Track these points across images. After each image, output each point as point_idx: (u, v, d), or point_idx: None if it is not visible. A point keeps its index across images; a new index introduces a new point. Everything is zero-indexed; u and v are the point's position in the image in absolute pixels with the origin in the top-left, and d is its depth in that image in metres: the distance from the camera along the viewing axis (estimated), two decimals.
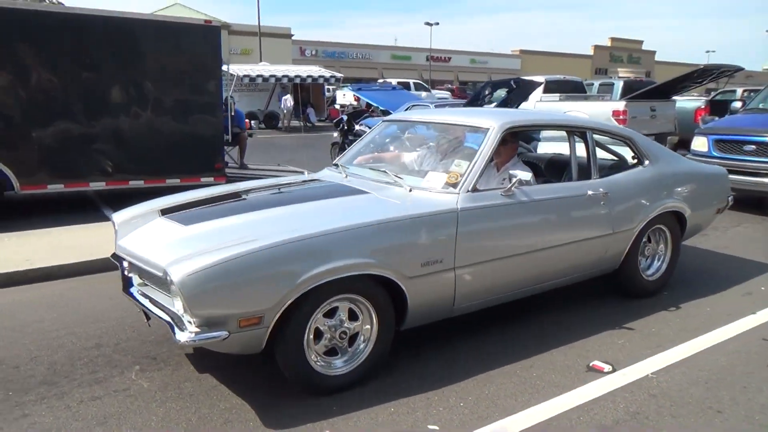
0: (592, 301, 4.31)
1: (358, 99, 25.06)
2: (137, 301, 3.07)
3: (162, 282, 2.88)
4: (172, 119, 7.90)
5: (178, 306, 2.66)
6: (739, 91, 16.92)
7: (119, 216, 3.70)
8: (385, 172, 3.76)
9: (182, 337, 2.60)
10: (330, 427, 2.75)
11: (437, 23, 53.46)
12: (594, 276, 4.14)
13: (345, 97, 25.42)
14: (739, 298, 4.41)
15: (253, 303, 2.66)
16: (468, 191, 3.34)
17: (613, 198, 3.93)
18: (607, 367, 3.28)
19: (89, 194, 8.10)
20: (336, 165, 4.34)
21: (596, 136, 4.10)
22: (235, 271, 2.62)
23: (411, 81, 27.51)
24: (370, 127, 10.72)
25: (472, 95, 11.09)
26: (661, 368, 3.29)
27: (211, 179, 8.32)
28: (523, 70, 61.26)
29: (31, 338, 3.74)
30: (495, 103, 10.76)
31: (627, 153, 4.39)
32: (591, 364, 3.33)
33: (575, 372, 3.26)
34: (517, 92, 10.54)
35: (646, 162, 4.27)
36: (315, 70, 22.45)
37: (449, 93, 27.23)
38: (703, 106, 12.52)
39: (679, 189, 4.36)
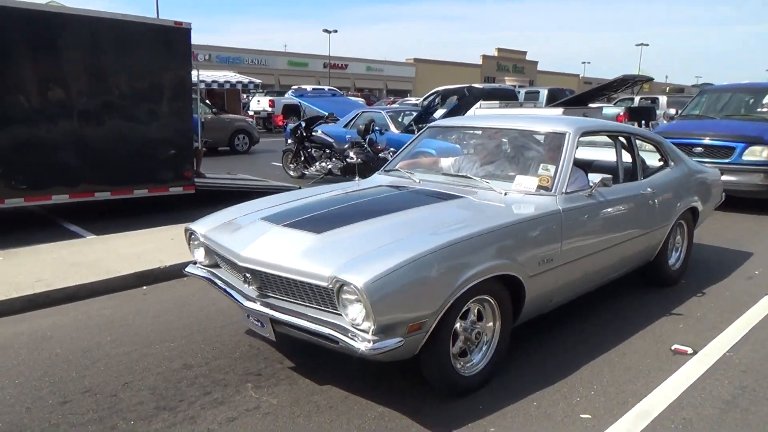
0: (631, 293, 4.66)
1: (272, 104, 24.67)
2: (268, 315, 2.94)
3: (309, 292, 2.80)
4: (140, 126, 7.43)
5: (353, 314, 2.60)
6: (637, 99, 18.70)
7: (202, 227, 3.52)
8: (466, 176, 3.88)
9: (362, 346, 2.55)
10: (491, 425, 2.81)
11: (335, 30, 53.50)
12: (636, 268, 4.50)
13: (260, 103, 24.86)
14: (745, 281, 4.98)
15: (421, 307, 2.67)
16: (563, 193, 3.54)
17: (656, 196, 4.30)
18: (689, 350, 3.61)
19: (35, 210, 7.43)
20: (392, 170, 4.36)
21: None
22: (409, 275, 2.63)
23: (326, 87, 27.47)
24: (327, 134, 10.70)
25: (425, 104, 11.36)
26: (731, 346, 3.68)
27: (180, 189, 7.94)
28: (418, 77, 63.28)
29: (104, 364, 3.43)
30: (445, 110, 11.13)
31: (652, 156, 4.81)
32: (673, 348, 3.64)
33: (665, 356, 3.56)
34: (467, 99, 10.98)
35: (672, 164, 4.72)
36: (231, 76, 21.72)
37: (363, 100, 27.48)
38: (622, 113, 13.70)
39: (696, 187, 4.85)
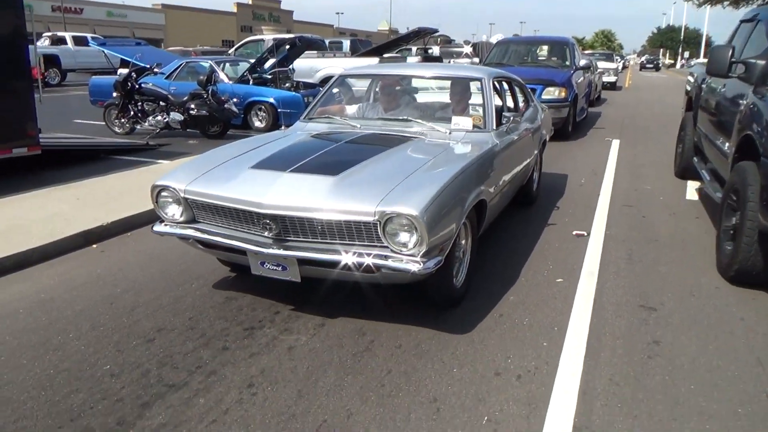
0: (513, 212, 5.79)
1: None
2: (295, 257, 3.10)
3: (344, 229, 3.05)
4: None
5: (403, 241, 2.96)
6: (414, 49, 20.81)
7: (179, 182, 3.41)
8: (407, 120, 4.41)
9: (413, 268, 2.91)
10: (510, 294, 3.78)
11: None
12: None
13: None
14: (580, 188, 6.71)
15: (448, 230, 3.12)
16: (493, 130, 4.42)
17: (532, 130, 5.56)
18: (584, 233, 5.03)
19: None
20: (316, 118, 4.65)
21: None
22: (442, 203, 3.05)
23: (88, 36, 24.25)
24: (157, 86, 10.21)
25: (259, 55, 11.49)
26: (605, 227, 5.21)
27: (25, 150, 7.06)
28: (168, 25, 58.96)
29: (146, 308, 3.51)
30: (275, 60, 11.40)
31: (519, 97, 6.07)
32: (575, 233, 5.03)
33: (573, 238, 4.91)
34: (297, 49, 11.43)
35: (532, 104, 6.07)
36: None
37: None
38: (417, 60, 15.38)
39: (545, 121, 6.30)
